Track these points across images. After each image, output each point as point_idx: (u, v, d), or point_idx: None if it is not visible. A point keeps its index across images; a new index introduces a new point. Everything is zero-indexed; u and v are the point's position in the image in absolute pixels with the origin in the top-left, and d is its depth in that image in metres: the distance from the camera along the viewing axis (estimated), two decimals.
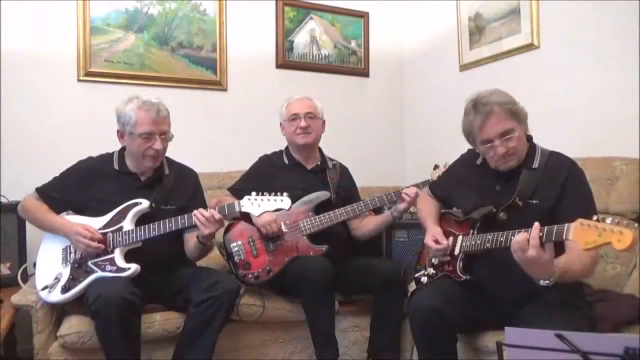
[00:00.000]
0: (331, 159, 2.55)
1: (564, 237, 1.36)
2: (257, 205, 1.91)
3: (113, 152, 2.16)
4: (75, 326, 1.91)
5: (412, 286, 1.98)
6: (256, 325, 2.20)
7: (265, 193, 1.92)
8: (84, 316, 1.92)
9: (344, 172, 2.56)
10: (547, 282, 1.43)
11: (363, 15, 3.53)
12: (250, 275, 2.17)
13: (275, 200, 1.92)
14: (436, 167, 2.31)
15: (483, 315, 1.72)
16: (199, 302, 1.87)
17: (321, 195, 2.34)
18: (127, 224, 1.98)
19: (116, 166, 2.10)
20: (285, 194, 1.93)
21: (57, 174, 2.11)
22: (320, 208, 2.31)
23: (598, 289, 1.95)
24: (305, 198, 2.30)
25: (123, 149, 2.14)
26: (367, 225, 2.41)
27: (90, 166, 2.11)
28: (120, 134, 2.07)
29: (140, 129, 1.98)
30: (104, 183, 2.07)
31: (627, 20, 2.20)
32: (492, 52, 2.90)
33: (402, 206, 2.24)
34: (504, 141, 1.65)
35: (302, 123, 2.37)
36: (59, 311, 2.02)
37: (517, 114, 1.68)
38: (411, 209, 2.61)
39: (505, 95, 1.70)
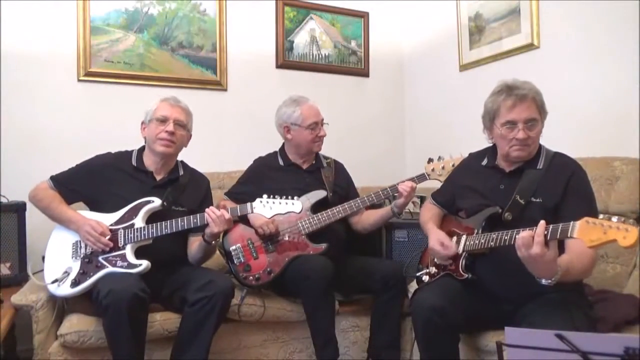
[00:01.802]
0: (325, 157, 2.55)
1: (569, 235, 1.36)
2: (269, 207, 1.94)
3: (132, 150, 2.20)
4: (75, 325, 1.91)
5: (413, 285, 1.98)
6: (256, 325, 2.20)
7: (277, 196, 1.95)
8: (84, 315, 1.93)
9: (339, 169, 2.56)
10: (549, 281, 1.43)
11: (363, 15, 3.53)
12: (251, 278, 2.18)
13: (287, 203, 1.95)
14: (430, 160, 2.31)
15: (484, 315, 1.72)
16: (193, 302, 1.88)
17: (318, 194, 2.34)
18: (139, 221, 2.00)
19: (134, 162, 2.14)
20: (296, 197, 1.96)
21: (73, 165, 2.14)
22: (318, 207, 2.31)
23: (598, 289, 1.95)
24: (303, 198, 2.31)
25: (142, 148, 2.19)
26: (367, 219, 2.41)
27: (108, 161, 2.14)
28: (143, 127, 2.15)
29: (157, 113, 2.11)
30: (119, 179, 2.10)
31: (627, 20, 2.20)
32: (492, 52, 2.90)
33: (400, 201, 2.24)
34: (526, 127, 1.68)
35: (322, 132, 2.39)
36: (60, 310, 2.02)
37: (544, 111, 1.73)
38: (411, 209, 2.62)
39: (538, 89, 1.75)
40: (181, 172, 2.20)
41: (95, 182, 2.09)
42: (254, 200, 1.94)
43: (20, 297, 1.97)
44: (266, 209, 1.94)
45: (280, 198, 1.95)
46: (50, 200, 2.05)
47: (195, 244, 2.09)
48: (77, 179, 2.10)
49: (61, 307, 2.03)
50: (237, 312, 2.11)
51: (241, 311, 2.12)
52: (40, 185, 2.10)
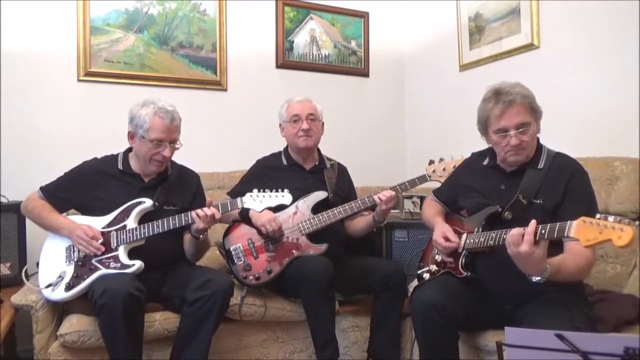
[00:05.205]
0: (329, 159, 2.55)
1: (565, 234, 1.36)
2: (260, 201, 1.96)
3: (118, 154, 2.18)
4: (75, 325, 1.91)
5: (413, 285, 1.98)
6: (256, 325, 2.20)
7: (266, 190, 1.97)
8: (84, 315, 1.93)
9: (342, 172, 2.56)
10: (539, 278, 1.43)
11: (363, 15, 3.54)
12: (251, 277, 2.17)
13: (276, 196, 1.97)
14: (431, 162, 2.31)
15: (484, 313, 1.72)
16: (192, 301, 1.88)
17: (318, 195, 2.34)
18: (131, 222, 2.00)
19: (120, 166, 2.12)
20: (286, 190, 1.98)
21: (62, 174, 2.12)
22: (319, 207, 2.31)
23: (598, 289, 1.95)
24: (303, 198, 2.31)
25: (128, 150, 2.16)
26: (355, 225, 2.42)
27: (95, 167, 2.12)
28: (131, 135, 2.08)
29: (152, 134, 2.00)
30: (108, 183, 2.09)
31: (627, 20, 2.21)
32: (492, 52, 2.90)
33: (379, 209, 2.23)
34: (518, 133, 1.66)
35: (304, 125, 2.36)
36: (60, 311, 2.02)
37: (535, 111, 1.70)
38: (411, 209, 2.62)
39: (528, 89, 1.72)
40: (169, 171, 2.17)
41: (84, 189, 2.07)
42: None
43: (20, 297, 1.97)
44: (256, 202, 1.96)
45: (271, 191, 1.97)
46: (40, 209, 2.05)
47: (189, 240, 2.10)
48: (66, 188, 2.08)
49: (61, 307, 2.03)
50: (237, 312, 2.11)
51: (242, 311, 2.11)
52: (31, 196, 2.10)
